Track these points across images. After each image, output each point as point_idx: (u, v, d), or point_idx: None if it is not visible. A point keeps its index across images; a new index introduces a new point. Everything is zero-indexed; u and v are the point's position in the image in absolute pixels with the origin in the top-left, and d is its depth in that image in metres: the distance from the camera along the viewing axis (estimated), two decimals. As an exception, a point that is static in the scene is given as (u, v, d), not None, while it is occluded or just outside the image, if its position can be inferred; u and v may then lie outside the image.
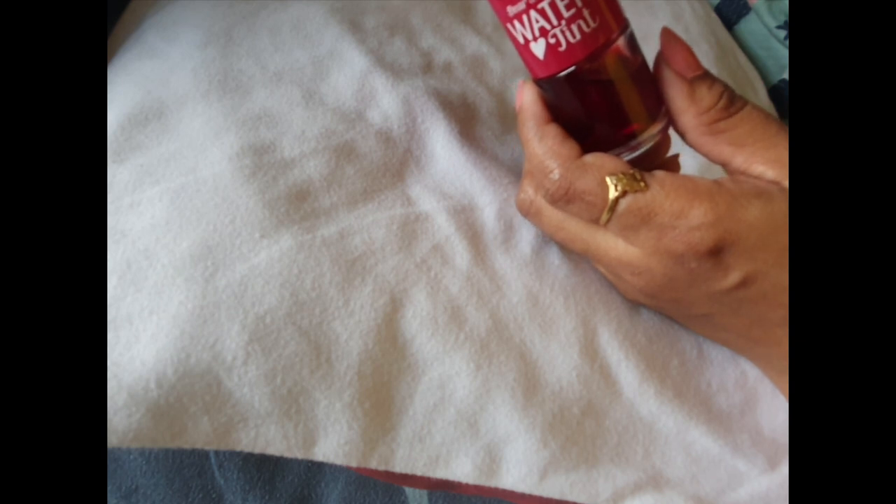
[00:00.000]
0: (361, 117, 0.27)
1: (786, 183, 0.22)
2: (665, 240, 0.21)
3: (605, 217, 0.22)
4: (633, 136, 0.23)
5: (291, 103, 0.26)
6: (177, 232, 0.23)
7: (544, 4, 0.21)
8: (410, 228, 0.25)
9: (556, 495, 0.22)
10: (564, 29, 0.21)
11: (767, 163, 0.22)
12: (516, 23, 0.21)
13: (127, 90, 0.26)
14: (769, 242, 0.21)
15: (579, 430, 0.23)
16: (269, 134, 0.25)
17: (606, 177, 0.22)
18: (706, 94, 0.22)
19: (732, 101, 0.22)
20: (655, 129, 0.23)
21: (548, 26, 0.21)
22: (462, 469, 0.22)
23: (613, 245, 0.23)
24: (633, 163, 0.23)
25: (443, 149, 0.27)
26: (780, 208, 0.21)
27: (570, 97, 0.23)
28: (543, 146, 0.23)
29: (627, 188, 0.21)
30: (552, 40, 0.21)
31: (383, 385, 0.22)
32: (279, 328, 0.22)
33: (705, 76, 0.23)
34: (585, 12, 0.20)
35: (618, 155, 0.23)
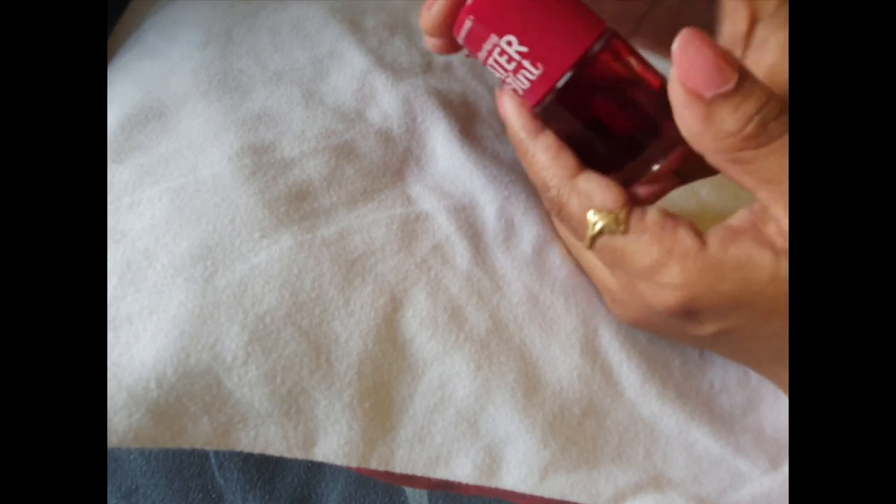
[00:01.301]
0: (361, 117, 0.27)
1: None
2: (639, 287, 0.21)
3: (585, 244, 0.22)
4: (636, 151, 0.22)
5: (291, 103, 0.26)
6: (176, 232, 0.22)
7: (490, 62, 0.21)
8: (410, 228, 0.25)
9: (556, 496, 0.22)
10: (513, 80, 0.21)
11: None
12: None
13: (127, 90, 0.26)
14: (743, 308, 0.20)
15: (580, 430, 0.23)
16: (269, 134, 0.25)
17: (589, 210, 0.21)
18: (728, 118, 0.18)
19: (765, 128, 0.18)
20: (661, 144, 0.21)
21: (503, 75, 0.21)
22: (462, 469, 0.22)
23: (598, 267, 0.23)
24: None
25: (443, 148, 0.27)
26: (762, 276, 0.19)
27: (559, 120, 0.22)
28: (537, 162, 0.22)
29: (605, 229, 0.21)
30: (511, 87, 0.22)
31: (383, 385, 0.22)
32: (279, 328, 0.22)
33: (733, 93, 0.18)
34: (525, 63, 0.20)
35: (624, 168, 0.22)
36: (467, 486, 0.23)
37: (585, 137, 0.22)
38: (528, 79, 0.21)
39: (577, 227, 0.22)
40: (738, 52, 0.21)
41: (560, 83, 0.20)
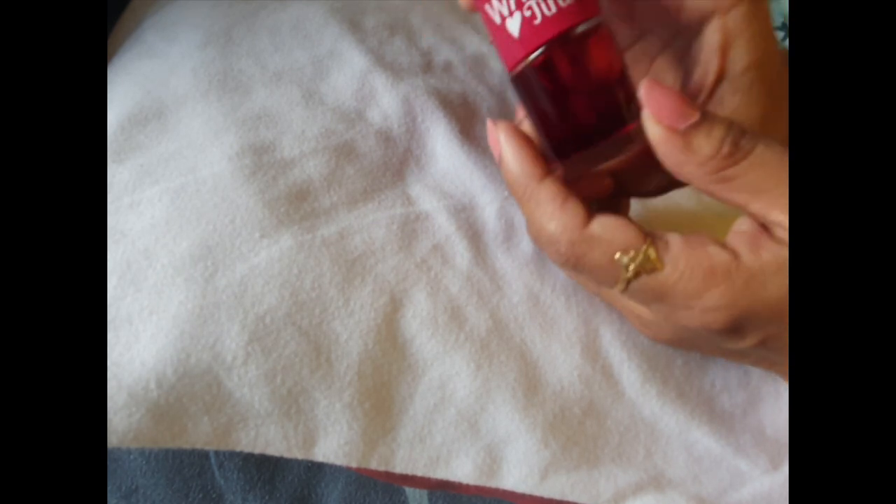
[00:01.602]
0: (361, 117, 0.27)
1: None
2: (679, 315, 0.20)
3: (619, 288, 0.21)
4: (617, 129, 0.21)
5: (291, 103, 0.26)
6: (176, 232, 0.22)
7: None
8: (410, 228, 0.25)
9: (556, 495, 0.22)
10: (541, 1, 0.20)
11: (787, 211, 0.19)
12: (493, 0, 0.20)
13: (127, 90, 0.26)
14: (784, 311, 0.19)
15: (580, 430, 0.23)
16: (269, 134, 0.25)
17: (617, 254, 0.20)
18: (704, 144, 0.19)
19: (737, 146, 0.19)
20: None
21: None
22: (462, 469, 0.22)
23: (626, 301, 0.22)
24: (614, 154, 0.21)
25: (443, 148, 0.27)
26: None
27: (544, 89, 0.21)
28: (542, 212, 0.21)
29: (640, 269, 0.20)
30: (528, 13, 0.20)
31: (383, 385, 0.22)
32: (279, 328, 0.22)
33: (701, 122, 0.19)
34: None
35: (602, 150, 0.21)
36: (467, 486, 0.23)
37: (565, 105, 0.21)
38: (558, 4, 0.20)
39: (604, 275, 0.21)
40: (699, 100, 0.22)
41: (597, 27, 0.20)
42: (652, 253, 0.20)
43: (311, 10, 0.29)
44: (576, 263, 0.21)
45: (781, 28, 0.47)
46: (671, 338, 0.22)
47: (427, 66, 0.30)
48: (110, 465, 0.26)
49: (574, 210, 0.21)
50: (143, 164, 0.24)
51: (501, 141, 0.22)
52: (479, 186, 0.26)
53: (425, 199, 0.26)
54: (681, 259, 0.20)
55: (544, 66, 0.21)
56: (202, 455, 0.26)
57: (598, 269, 0.21)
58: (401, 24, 0.30)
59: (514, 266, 0.25)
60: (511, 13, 0.20)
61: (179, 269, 0.22)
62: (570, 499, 0.22)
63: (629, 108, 0.21)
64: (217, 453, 0.26)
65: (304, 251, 0.23)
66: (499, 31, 0.21)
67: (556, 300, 0.24)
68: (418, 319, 0.23)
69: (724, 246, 0.20)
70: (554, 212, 0.21)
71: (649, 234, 0.20)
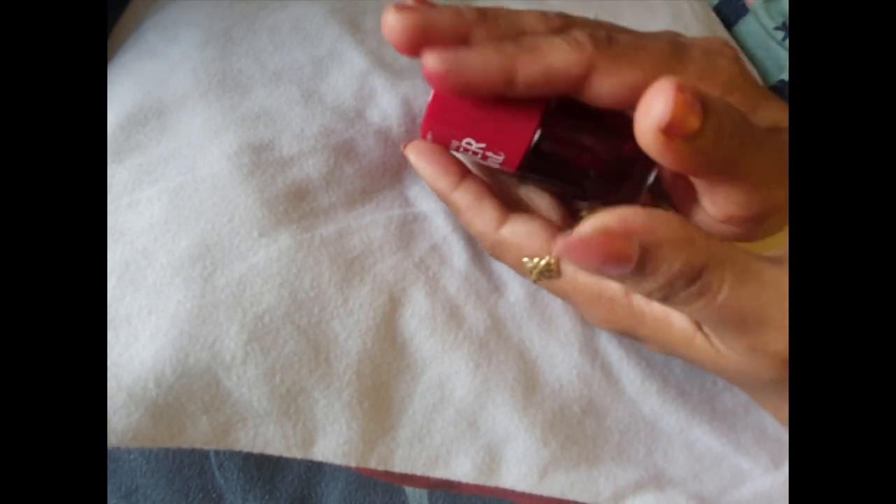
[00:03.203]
0: (361, 116, 0.27)
1: None
2: (582, 312, 0.22)
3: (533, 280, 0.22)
4: (621, 175, 0.22)
5: (290, 102, 0.26)
6: (175, 231, 0.22)
7: (462, 155, 0.23)
8: (409, 228, 0.25)
9: (556, 494, 0.22)
10: (489, 162, 0.22)
11: None
12: None
13: (126, 90, 0.26)
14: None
15: (580, 428, 0.23)
16: (268, 132, 0.25)
17: (525, 258, 0.21)
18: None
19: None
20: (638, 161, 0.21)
21: (477, 160, 0.22)
22: (462, 468, 0.22)
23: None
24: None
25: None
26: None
27: (538, 179, 0.23)
28: (463, 215, 0.22)
29: (541, 276, 0.21)
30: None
31: (382, 384, 0.22)
32: (278, 327, 0.22)
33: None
34: (489, 153, 0.21)
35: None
36: (467, 486, 0.23)
37: (570, 183, 0.22)
38: (498, 163, 0.22)
39: (520, 271, 0.22)
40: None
41: (524, 160, 0.21)
42: (553, 263, 0.21)
43: (311, 10, 0.29)
44: (498, 259, 0.23)
45: (781, 28, 0.47)
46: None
47: (426, 67, 0.30)
48: (110, 465, 0.26)
49: (489, 213, 0.22)
50: (143, 163, 0.24)
51: (412, 161, 0.23)
52: None
53: (423, 201, 0.26)
54: (578, 275, 0.21)
55: (530, 170, 0.22)
56: (202, 455, 0.26)
57: (514, 267, 0.22)
58: (400, 24, 0.30)
59: (513, 265, 0.25)
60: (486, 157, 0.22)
61: (178, 269, 0.22)
62: (569, 497, 0.22)
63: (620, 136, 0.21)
64: (217, 453, 0.26)
65: (303, 250, 0.23)
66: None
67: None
68: (417, 319, 0.23)
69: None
70: (472, 215, 0.22)
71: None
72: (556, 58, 0.19)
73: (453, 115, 0.21)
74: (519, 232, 0.21)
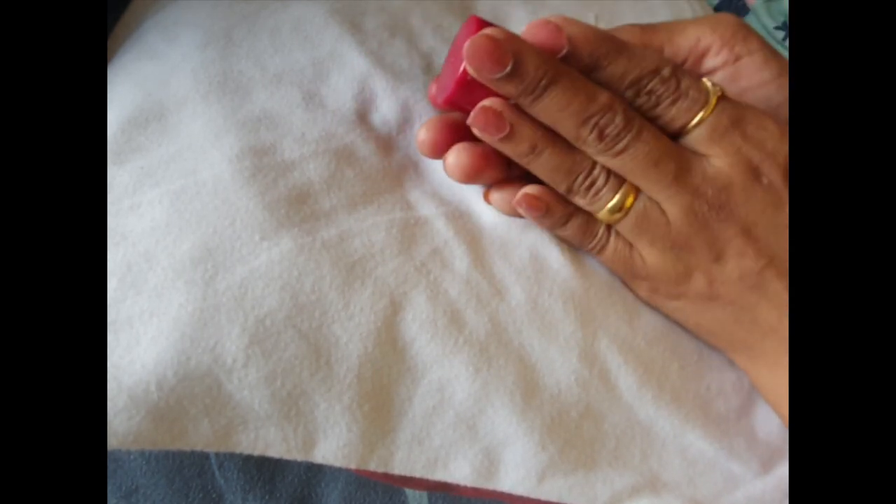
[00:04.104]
0: (362, 120, 0.27)
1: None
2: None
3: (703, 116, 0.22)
4: None
5: (291, 105, 0.26)
6: (177, 234, 0.23)
7: None
8: (410, 232, 0.25)
9: (554, 498, 0.23)
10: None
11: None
12: None
13: (127, 91, 0.26)
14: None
15: (578, 433, 0.23)
16: (269, 136, 0.25)
17: (704, 79, 0.22)
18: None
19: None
20: None
21: None
22: (461, 471, 0.23)
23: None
24: None
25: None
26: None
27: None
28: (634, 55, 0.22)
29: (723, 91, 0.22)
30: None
31: (383, 388, 0.22)
32: (279, 331, 0.22)
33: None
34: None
35: None
36: (466, 488, 0.23)
37: None
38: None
39: (696, 96, 0.22)
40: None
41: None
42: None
43: (311, 10, 0.29)
44: (677, 86, 0.22)
45: (782, 28, 0.47)
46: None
47: (427, 68, 0.30)
48: (110, 466, 0.26)
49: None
50: (144, 166, 0.24)
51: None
52: (476, 194, 0.27)
53: (424, 205, 0.26)
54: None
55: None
56: (202, 455, 0.26)
57: (693, 89, 0.22)
58: (401, 25, 0.30)
59: (513, 270, 0.25)
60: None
61: (179, 272, 0.22)
62: (567, 501, 0.23)
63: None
64: (217, 454, 0.26)
65: (305, 254, 0.23)
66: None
67: (554, 304, 0.25)
68: (418, 322, 0.23)
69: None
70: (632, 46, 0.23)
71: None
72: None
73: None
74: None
